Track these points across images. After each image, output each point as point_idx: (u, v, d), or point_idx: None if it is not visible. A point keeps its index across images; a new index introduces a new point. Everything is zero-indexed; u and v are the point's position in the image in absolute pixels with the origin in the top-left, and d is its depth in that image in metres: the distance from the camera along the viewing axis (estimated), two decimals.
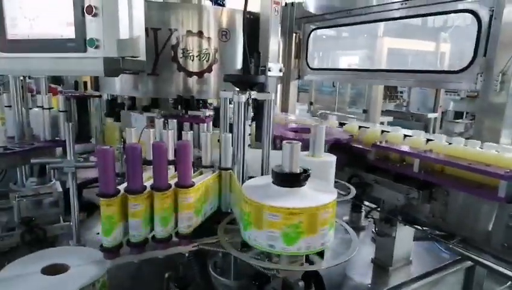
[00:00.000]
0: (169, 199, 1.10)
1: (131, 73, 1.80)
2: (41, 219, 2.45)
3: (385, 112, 6.76)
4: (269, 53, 1.93)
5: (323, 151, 1.59)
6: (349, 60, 7.78)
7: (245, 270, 1.44)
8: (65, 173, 2.35)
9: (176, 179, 1.15)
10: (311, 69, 3.56)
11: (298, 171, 1.09)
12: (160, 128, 1.51)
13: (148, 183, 1.12)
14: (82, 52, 1.26)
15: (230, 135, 1.30)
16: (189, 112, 1.71)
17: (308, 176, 1.10)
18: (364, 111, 6.04)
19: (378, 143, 2.07)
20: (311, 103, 7.16)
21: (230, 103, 1.56)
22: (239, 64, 2.00)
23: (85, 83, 2.90)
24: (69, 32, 1.27)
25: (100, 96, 2.62)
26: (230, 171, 1.30)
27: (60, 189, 2.61)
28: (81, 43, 1.26)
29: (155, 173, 1.08)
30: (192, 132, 1.50)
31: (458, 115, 9.08)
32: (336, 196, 1.09)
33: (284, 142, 1.10)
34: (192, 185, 1.12)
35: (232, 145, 1.36)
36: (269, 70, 1.91)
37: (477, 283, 2.22)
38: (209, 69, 1.87)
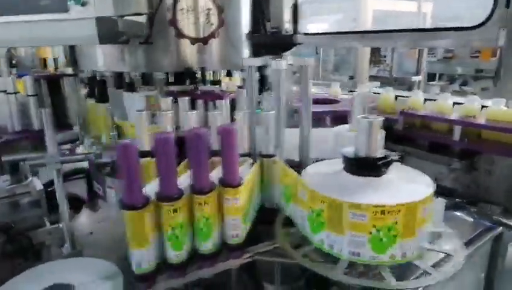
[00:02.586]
0: (213, 204, 0.83)
1: (121, 42, 1.45)
2: (20, 224, 2.11)
3: (370, 78, 6.59)
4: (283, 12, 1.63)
5: None
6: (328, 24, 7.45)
7: (291, 272, 1.21)
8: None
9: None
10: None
11: (379, 156, 0.84)
12: (185, 109, 1.21)
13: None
14: (62, 13, 0.92)
15: (273, 113, 1.02)
16: (200, 88, 1.40)
17: (392, 160, 0.86)
18: (351, 77, 5.83)
19: (406, 110, 1.86)
20: (294, 72, 6.81)
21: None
22: (246, 28, 1.68)
23: (43, 60, 2.49)
24: None
25: (75, 75, 2.23)
26: (274, 158, 1.03)
27: (40, 186, 2.25)
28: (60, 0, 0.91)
29: (195, 169, 0.80)
30: (202, 111, 1.21)
31: (431, 77, 9.01)
32: (433, 185, 0.86)
33: (359, 117, 0.85)
34: (240, 184, 0.85)
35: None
36: (286, 32, 1.61)
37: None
38: (215, 34, 1.55)
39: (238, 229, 0.87)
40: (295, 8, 1.09)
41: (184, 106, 1.29)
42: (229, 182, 0.84)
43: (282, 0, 1.60)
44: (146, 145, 1.05)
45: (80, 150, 1.85)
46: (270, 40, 1.14)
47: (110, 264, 1.44)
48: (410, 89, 6.99)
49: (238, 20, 1.65)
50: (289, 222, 1.00)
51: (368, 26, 5.58)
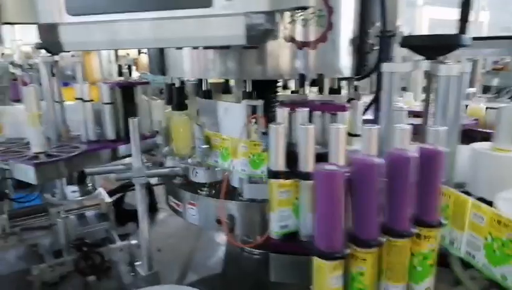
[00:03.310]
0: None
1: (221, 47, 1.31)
2: (89, 238, 2.01)
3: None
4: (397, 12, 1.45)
5: None
6: None
7: None
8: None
9: None
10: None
11: None
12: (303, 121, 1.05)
13: None
14: (205, 8, 0.78)
15: (445, 129, 0.83)
16: (316, 97, 1.24)
17: None
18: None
19: None
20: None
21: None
22: (349, 30, 1.50)
23: (119, 67, 2.41)
24: None
25: (148, 83, 2.14)
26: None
27: (108, 198, 2.16)
28: None
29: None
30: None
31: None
32: None
33: None
34: (442, 223, 0.66)
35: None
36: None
37: None
38: (323, 38, 1.38)
39: (430, 278, 0.69)
40: (466, 3, 0.90)
41: (303, 118, 1.12)
42: (428, 220, 0.65)
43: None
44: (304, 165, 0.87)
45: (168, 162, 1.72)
46: (425, 41, 0.95)
47: None
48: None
49: (340, 21, 1.48)
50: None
51: None
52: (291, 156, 0.97)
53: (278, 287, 1.23)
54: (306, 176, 0.91)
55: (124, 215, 2.46)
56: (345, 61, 1.48)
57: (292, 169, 0.96)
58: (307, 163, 0.91)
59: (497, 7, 6.73)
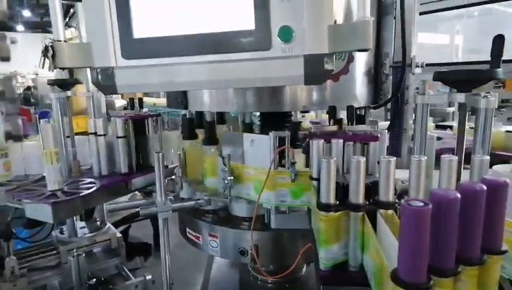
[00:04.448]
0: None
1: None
2: (101, 275, 1.94)
3: None
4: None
5: None
6: None
7: None
8: None
9: None
10: None
11: None
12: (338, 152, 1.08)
13: None
14: (264, 51, 0.81)
15: (488, 158, 0.88)
16: (348, 128, 1.27)
17: None
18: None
19: None
20: None
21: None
22: (365, 63, 1.58)
23: (131, 101, 2.40)
24: (244, 22, 0.81)
25: (159, 115, 2.15)
26: None
27: (119, 233, 2.10)
28: (264, 36, 0.81)
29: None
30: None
31: None
32: None
33: None
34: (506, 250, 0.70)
35: None
36: (417, 67, 1.51)
37: None
38: (346, 70, 1.45)
39: None
40: (500, 37, 0.97)
41: (338, 149, 1.16)
42: (492, 247, 0.68)
43: (410, 30, 1.51)
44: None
45: (183, 194, 1.71)
46: (461, 76, 1.02)
47: None
48: (444, 120, 6.88)
49: (356, 54, 1.55)
50: None
51: None
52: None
53: None
54: (357, 208, 0.93)
55: (131, 249, 2.39)
56: (362, 91, 1.55)
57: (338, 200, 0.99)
58: (358, 195, 0.93)
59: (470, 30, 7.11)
